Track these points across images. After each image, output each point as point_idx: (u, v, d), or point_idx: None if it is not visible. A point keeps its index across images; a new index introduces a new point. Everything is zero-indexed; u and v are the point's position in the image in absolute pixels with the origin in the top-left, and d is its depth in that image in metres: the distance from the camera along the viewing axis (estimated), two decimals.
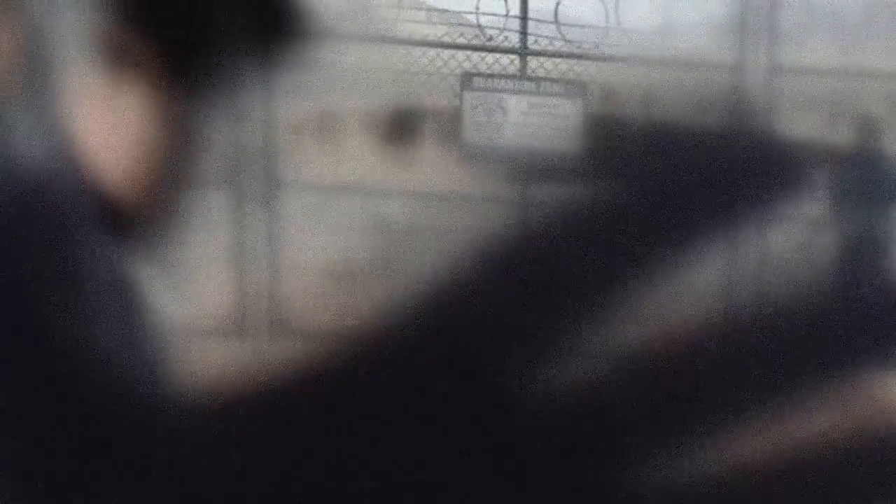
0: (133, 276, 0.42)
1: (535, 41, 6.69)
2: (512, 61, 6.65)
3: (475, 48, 6.62)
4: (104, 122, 0.47)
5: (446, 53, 6.63)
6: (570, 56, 6.60)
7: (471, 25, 6.74)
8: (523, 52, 6.65)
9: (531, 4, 6.70)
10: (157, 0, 0.48)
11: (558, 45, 6.66)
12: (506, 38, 6.69)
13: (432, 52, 6.63)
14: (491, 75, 6.51)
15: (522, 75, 6.60)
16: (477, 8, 6.72)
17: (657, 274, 0.29)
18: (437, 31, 6.80)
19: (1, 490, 0.32)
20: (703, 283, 0.30)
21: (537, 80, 6.50)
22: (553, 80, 6.47)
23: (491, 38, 6.68)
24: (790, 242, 0.30)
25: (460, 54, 6.60)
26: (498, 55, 6.62)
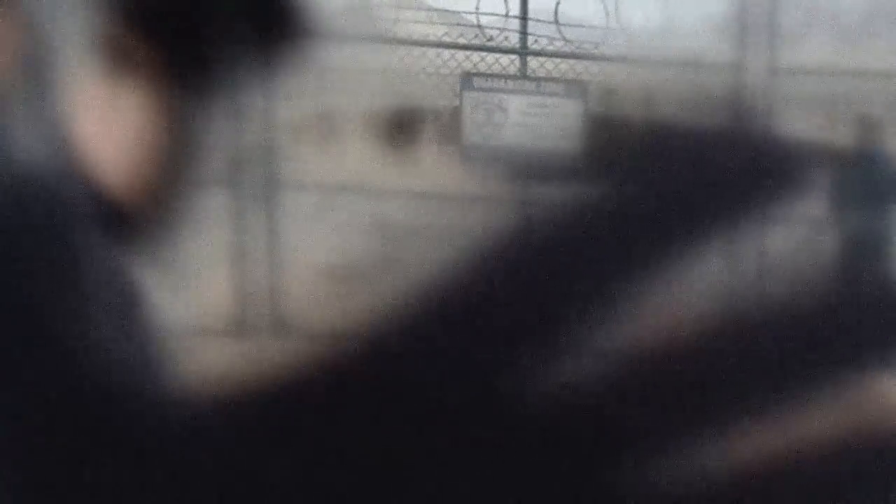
0: (134, 274, 0.42)
1: (535, 41, 6.68)
2: (512, 61, 6.65)
3: (475, 48, 6.61)
4: (105, 121, 0.47)
5: (446, 53, 6.62)
6: (570, 56, 6.60)
7: (471, 25, 6.74)
8: (523, 52, 6.65)
9: (531, 4, 6.70)
10: (158, 1, 0.48)
11: (558, 45, 6.66)
12: (506, 38, 6.69)
13: (432, 52, 6.63)
14: (491, 75, 6.51)
15: (522, 75, 6.60)
16: (477, 8, 6.72)
17: (658, 274, 0.29)
18: (437, 31, 6.80)
19: (1, 491, 0.32)
20: (704, 283, 0.30)
21: (537, 80, 6.50)
22: (553, 80, 6.47)
23: (491, 38, 6.68)
24: (790, 242, 0.30)
25: (460, 54, 6.59)
26: (498, 55, 6.62)
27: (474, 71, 6.55)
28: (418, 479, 0.29)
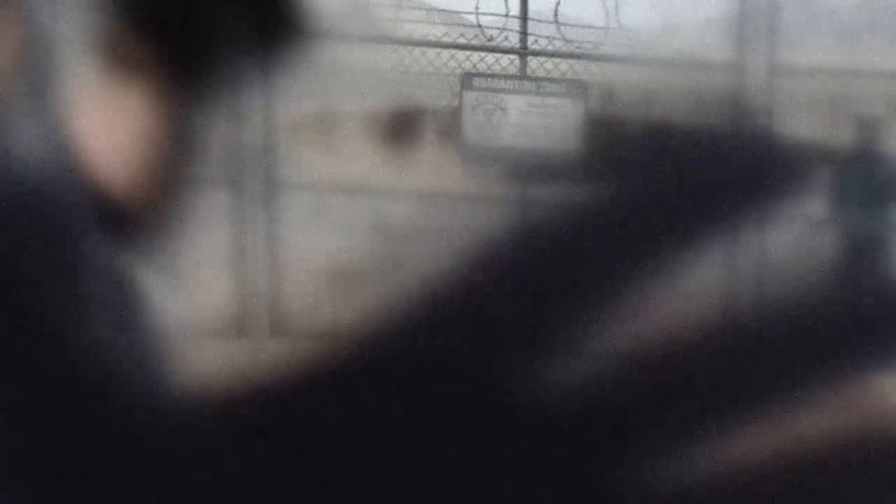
0: (134, 275, 0.42)
1: (535, 41, 6.68)
2: (512, 61, 6.65)
3: (475, 48, 6.61)
4: (105, 121, 0.47)
5: (446, 53, 6.62)
6: (570, 56, 6.60)
7: (471, 25, 6.74)
8: (523, 52, 6.65)
9: (531, 4, 6.70)
10: (158, 0, 0.48)
11: (558, 45, 6.66)
12: (506, 38, 6.69)
13: (432, 52, 6.63)
14: (491, 75, 6.51)
15: (522, 75, 6.60)
16: (477, 8, 6.72)
17: (657, 274, 0.29)
18: (437, 31, 6.80)
19: (1, 490, 0.32)
20: (704, 283, 0.30)
21: (537, 80, 6.50)
22: (553, 80, 6.47)
23: (491, 38, 6.68)
24: (790, 242, 0.30)
25: (460, 54, 6.59)
26: (498, 55, 6.62)
27: (474, 71, 6.55)
28: (419, 479, 0.29)
